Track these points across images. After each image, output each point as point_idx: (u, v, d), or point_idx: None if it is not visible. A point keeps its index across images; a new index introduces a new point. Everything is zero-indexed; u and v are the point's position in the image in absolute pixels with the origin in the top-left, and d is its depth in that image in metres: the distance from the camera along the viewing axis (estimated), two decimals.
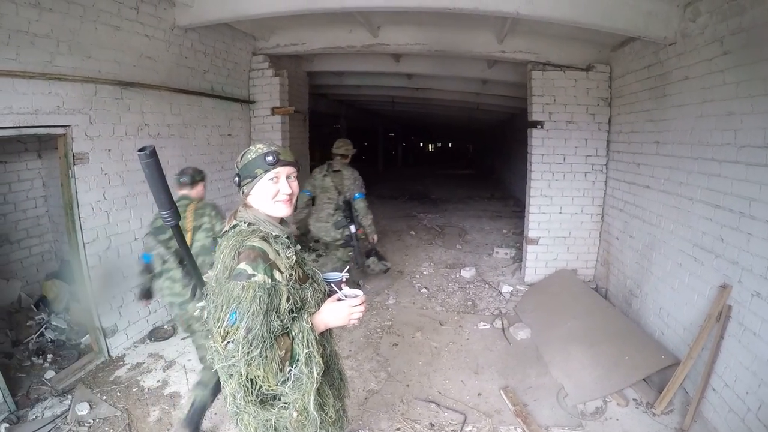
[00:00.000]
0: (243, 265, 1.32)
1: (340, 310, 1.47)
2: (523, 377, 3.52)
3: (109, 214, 3.69)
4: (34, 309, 4.25)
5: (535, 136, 5.07)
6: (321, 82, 8.28)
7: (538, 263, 5.31)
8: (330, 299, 1.50)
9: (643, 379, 3.21)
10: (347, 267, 1.80)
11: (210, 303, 1.40)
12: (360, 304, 1.49)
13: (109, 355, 3.69)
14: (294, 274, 1.41)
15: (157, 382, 3.40)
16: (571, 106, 4.94)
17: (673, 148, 3.62)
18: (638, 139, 4.30)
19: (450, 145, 37.91)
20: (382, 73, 7.44)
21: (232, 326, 1.28)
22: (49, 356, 3.67)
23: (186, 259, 1.51)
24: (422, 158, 30.39)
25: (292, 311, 1.39)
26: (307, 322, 1.40)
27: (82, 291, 3.62)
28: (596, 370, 3.28)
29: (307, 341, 1.38)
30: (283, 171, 1.47)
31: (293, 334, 1.37)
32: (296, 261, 1.45)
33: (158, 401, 3.16)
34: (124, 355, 3.76)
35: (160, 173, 1.31)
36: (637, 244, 4.24)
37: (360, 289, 1.54)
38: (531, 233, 5.26)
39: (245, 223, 1.45)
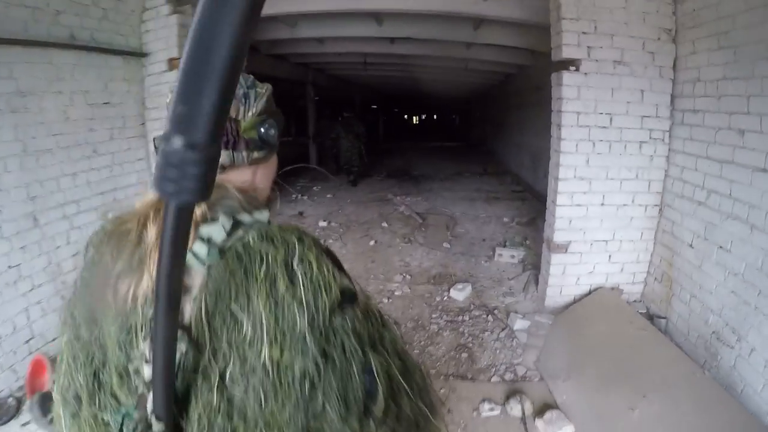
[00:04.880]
0: (345, 281, 0.60)
1: None
2: None
3: None
4: None
5: (567, 83, 3.22)
6: (270, 37, 6.36)
7: (565, 279, 3.57)
8: None
9: None
10: None
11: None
12: None
13: None
14: None
15: None
16: (621, 38, 3.14)
17: None
18: (737, 89, 2.60)
19: (435, 117, 36.33)
20: (345, 14, 5.53)
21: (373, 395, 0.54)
22: None
23: None
24: (406, 131, 28.68)
25: None
26: None
27: None
28: None
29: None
30: None
31: None
32: None
33: None
34: None
35: None
36: (736, 263, 2.58)
37: None
38: (557, 236, 3.48)
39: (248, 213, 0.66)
